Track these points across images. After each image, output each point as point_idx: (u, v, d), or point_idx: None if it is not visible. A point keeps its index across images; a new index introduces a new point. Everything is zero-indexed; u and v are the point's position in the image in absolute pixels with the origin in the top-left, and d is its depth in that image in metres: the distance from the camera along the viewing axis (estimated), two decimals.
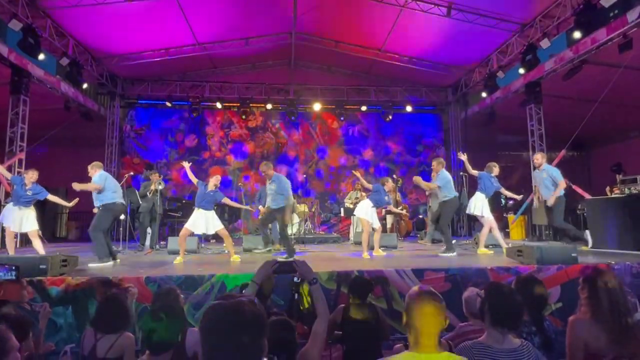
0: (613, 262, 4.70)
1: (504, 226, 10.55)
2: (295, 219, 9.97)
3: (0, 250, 6.55)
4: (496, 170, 6.72)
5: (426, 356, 1.60)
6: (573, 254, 4.79)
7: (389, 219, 10.26)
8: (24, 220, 5.85)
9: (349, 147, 13.26)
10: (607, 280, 2.18)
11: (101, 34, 9.51)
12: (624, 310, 2.11)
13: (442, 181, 6.60)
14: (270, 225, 8.13)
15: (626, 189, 7.72)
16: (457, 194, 6.57)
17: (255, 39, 10.78)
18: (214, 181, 6.40)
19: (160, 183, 7.76)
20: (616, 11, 6.90)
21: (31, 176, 5.96)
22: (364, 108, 12.92)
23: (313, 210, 11.50)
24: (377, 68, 12.17)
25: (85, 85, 10.21)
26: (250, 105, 12.45)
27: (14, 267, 2.35)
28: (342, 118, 12.93)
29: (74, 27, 9.06)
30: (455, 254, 6.16)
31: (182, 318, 2.03)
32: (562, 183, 6.18)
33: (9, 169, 8.18)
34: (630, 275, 4.54)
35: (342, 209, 9.84)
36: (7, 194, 8.09)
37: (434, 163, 6.97)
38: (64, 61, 9.08)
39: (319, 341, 1.85)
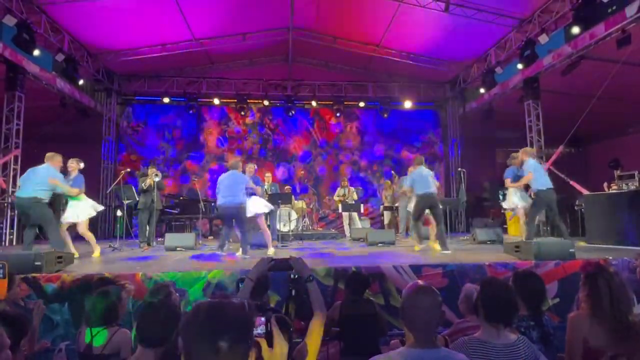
0: (611, 258, 4.71)
1: (502, 222, 10.57)
2: (293, 215, 9.97)
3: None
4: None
5: (423, 351, 1.59)
6: (571, 250, 4.80)
7: (387, 215, 10.27)
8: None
9: (346, 143, 13.23)
10: (608, 277, 2.16)
11: (97, 30, 9.43)
12: (625, 307, 2.09)
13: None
14: (268, 221, 8.13)
15: (624, 185, 7.73)
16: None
17: (252, 35, 10.71)
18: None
19: (157, 175, 7.70)
20: (614, 6, 6.88)
21: (76, 166, 6.01)
22: (362, 104, 12.89)
23: (311, 207, 11.50)
24: (375, 64, 12.12)
25: (81, 82, 10.13)
26: (248, 101, 12.41)
27: (1, 265, 2.32)
28: (339, 114, 12.90)
29: (70, 23, 8.99)
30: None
31: (175, 313, 2.00)
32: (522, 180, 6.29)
33: (5, 166, 8.15)
34: (628, 270, 4.54)
35: (340, 206, 9.84)
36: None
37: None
38: (60, 57, 9.02)
39: (316, 338, 1.84)
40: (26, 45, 7.77)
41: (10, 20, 7.40)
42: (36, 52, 8.13)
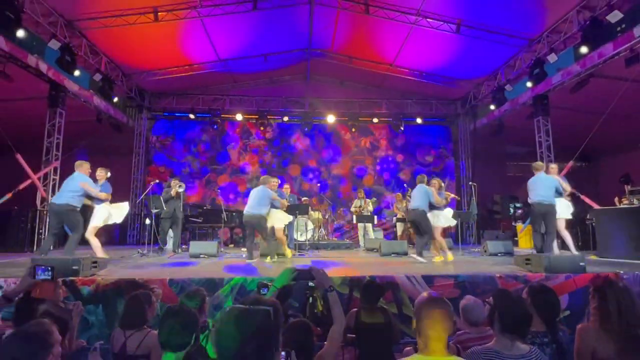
0: (622, 272, 4.58)
1: (512, 235, 10.37)
2: (310, 225, 10.01)
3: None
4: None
5: (435, 359, 1.61)
6: (581, 263, 4.69)
7: (400, 227, 10.21)
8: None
9: (361, 157, 13.28)
10: (617, 290, 2.13)
11: (131, 52, 9.84)
12: (634, 321, 2.05)
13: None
14: (286, 231, 8.19)
15: (635, 200, 7.52)
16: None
17: (273, 55, 10.96)
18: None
19: (180, 186, 7.88)
20: (623, 26, 6.81)
21: (104, 174, 6.20)
22: (375, 120, 12.95)
23: (326, 217, 11.53)
24: (388, 82, 12.21)
25: (115, 99, 10.52)
26: (268, 117, 12.64)
27: (49, 268, 2.44)
28: (354, 129, 12.99)
29: (107, 46, 9.39)
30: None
31: (193, 318, 2.01)
32: None
33: (45, 176, 8.48)
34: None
35: (354, 217, 9.84)
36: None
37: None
38: (97, 77, 9.40)
39: (335, 345, 1.88)
40: (68, 66, 8.13)
41: (54, 44, 7.79)
42: (76, 73, 8.49)
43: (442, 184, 7.15)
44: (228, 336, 1.10)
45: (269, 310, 1.18)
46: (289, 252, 6.95)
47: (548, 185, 6.10)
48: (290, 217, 6.91)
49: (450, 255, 6.44)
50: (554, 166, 6.64)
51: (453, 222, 7.22)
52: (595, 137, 7.88)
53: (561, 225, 6.37)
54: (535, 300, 2.30)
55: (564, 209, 6.38)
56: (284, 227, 8.31)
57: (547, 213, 6.01)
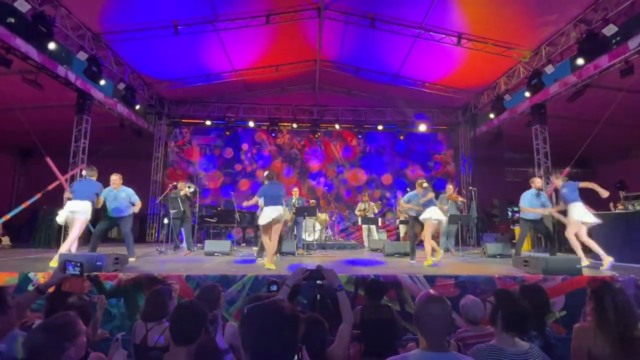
0: (617, 274, 4.52)
1: (511, 237, 10.26)
2: (317, 226, 10.02)
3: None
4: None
5: (435, 355, 1.61)
6: (577, 266, 4.64)
7: (402, 229, 10.16)
8: None
9: (366, 162, 13.27)
10: (613, 293, 2.11)
11: (153, 63, 9.98)
12: (630, 322, 2.03)
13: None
14: (295, 232, 8.22)
15: (629, 205, 7.41)
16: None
17: (284, 66, 11.03)
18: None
19: (190, 187, 7.94)
20: (618, 38, 6.75)
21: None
22: (380, 127, 12.94)
23: (333, 218, 11.52)
24: (393, 91, 12.19)
25: (137, 106, 10.65)
26: (279, 124, 12.70)
27: (78, 264, 2.49)
28: (360, 136, 13.00)
29: (130, 57, 9.54)
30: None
31: (202, 313, 2.03)
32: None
33: (72, 178, 8.62)
34: (634, 287, 4.34)
35: (359, 218, 9.83)
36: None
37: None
38: (121, 86, 9.56)
39: (344, 342, 1.89)
40: (94, 76, 8.27)
41: (82, 56, 7.94)
42: (102, 82, 8.65)
43: (424, 184, 6.70)
44: (261, 330, 1.11)
45: (284, 298, 1.19)
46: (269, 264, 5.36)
47: (522, 199, 6.26)
48: (275, 213, 5.48)
49: (430, 260, 5.79)
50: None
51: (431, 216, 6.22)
52: (592, 144, 7.79)
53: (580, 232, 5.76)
54: (525, 297, 2.31)
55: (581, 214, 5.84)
56: (294, 227, 8.25)
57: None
